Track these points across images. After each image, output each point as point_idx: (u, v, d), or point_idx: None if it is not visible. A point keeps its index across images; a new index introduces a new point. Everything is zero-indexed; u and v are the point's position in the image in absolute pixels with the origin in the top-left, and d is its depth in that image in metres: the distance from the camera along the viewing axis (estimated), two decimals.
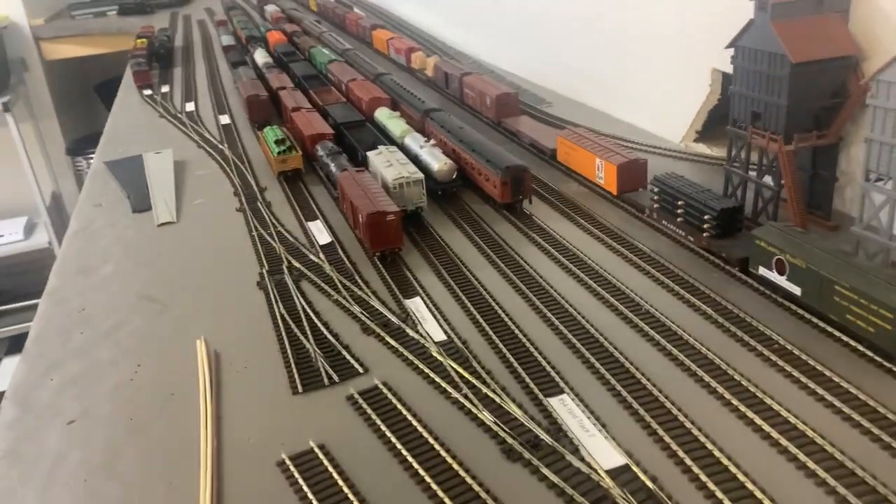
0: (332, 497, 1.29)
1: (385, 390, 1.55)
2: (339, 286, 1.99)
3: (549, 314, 1.77)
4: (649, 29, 2.91)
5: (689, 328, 1.66)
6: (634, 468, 1.28)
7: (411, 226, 2.30)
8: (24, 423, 1.59)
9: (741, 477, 1.24)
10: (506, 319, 1.77)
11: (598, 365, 1.57)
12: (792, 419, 1.36)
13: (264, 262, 2.17)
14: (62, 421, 1.58)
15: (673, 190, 2.05)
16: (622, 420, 1.41)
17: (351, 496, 1.28)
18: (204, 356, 1.71)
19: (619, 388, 1.49)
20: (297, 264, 2.14)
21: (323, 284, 2.01)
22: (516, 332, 1.72)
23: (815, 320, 1.64)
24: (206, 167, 3.09)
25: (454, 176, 2.49)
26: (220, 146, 3.31)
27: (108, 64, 7.26)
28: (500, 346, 1.67)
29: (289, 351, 1.71)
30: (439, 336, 1.73)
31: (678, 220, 2.05)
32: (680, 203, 2.02)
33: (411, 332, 1.75)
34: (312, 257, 2.18)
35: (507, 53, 4.25)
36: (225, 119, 3.76)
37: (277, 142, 2.84)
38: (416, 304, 1.87)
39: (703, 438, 1.33)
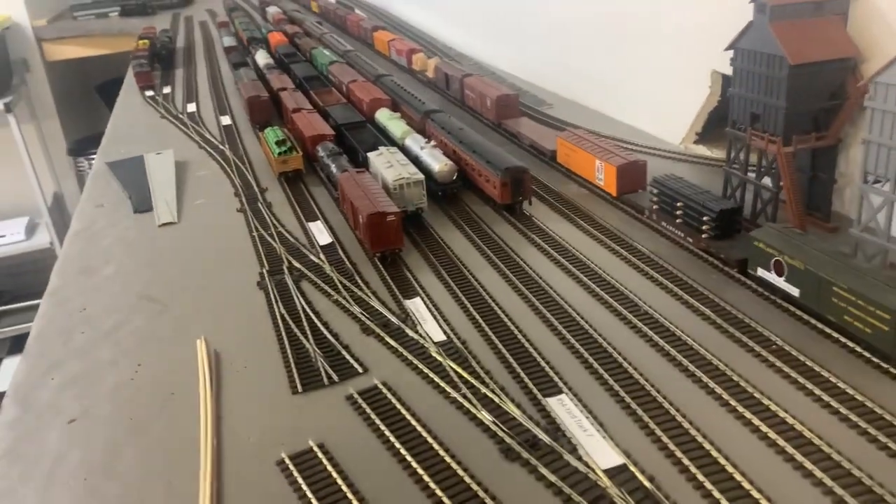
0: (331, 496, 1.29)
1: (384, 390, 1.56)
2: (340, 286, 1.99)
3: (548, 315, 1.78)
4: (649, 31, 2.92)
5: (687, 329, 1.67)
6: (632, 468, 1.28)
7: (411, 226, 2.31)
8: (24, 423, 1.60)
9: (738, 477, 1.25)
10: (505, 320, 1.78)
11: (596, 365, 1.57)
12: (789, 419, 1.37)
13: (265, 262, 2.18)
14: (62, 420, 1.58)
15: (672, 191, 2.06)
16: (620, 420, 1.42)
17: (350, 495, 1.29)
18: (204, 356, 1.72)
19: (617, 388, 1.50)
20: (297, 264, 2.14)
21: (323, 285, 2.02)
22: (515, 332, 1.72)
23: (813, 321, 1.64)
24: (208, 168, 3.10)
25: (454, 177, 2.50)
26: (222, 147, 3.32)
27: (110, 65, 7.27)
28: (500, 346, 1.68)
29: (289, 351, 1.72)
30: (439, 336, 1.73)
31: (677, 221, 2.05)
32: (679, 204, 2.03)
33: (411, 333, 1.76)
34: (313, 258, 2.18)
35: (508, 55, 4.26)
36: (226, 120, 3.77)
37: (278, 142, 2.85)
38: (415, 305, 1.88)
39: (700, 438, 1.34)
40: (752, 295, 1.79)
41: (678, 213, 2.04)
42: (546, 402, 1.47)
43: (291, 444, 1.42)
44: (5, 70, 6.87)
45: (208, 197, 2.78)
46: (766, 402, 1.42)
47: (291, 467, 1.36)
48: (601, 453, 1.33)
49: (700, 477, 1.25)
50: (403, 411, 1.49)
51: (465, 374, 1.58)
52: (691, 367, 1.54)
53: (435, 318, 1.81)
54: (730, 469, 1.26)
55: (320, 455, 1.38)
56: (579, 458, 1.32)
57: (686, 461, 1.29)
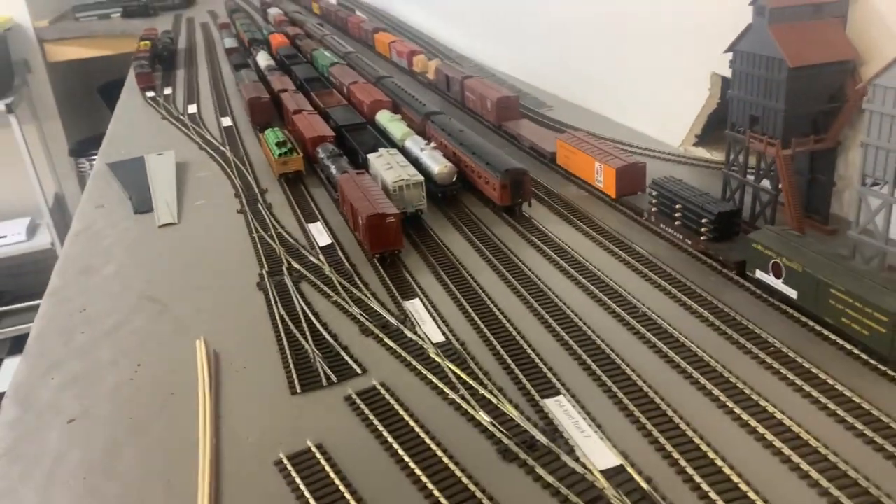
0: (328, 496, 1.30)
1: (383, 391, 1.56)
2: (339, 287, 2.00)
3: (546, 316, 1.78)
4: (649, 33, 2.92)
5: (685, 331, 1.67)
6: (629, 469, 1.29)
7: (411, 228, 2.31)
8: (24, 423, 1.60)
9: (735, 478, 1.25)
10: (504, 321, 1.78)
11: (594, 367, 1.58)
12: (787, 421, 1.37)
13: (264, 263, 2.19)
14: (62, 420, 1.59)
15: (671, 193, 2.06)
16: (618, 421, 1.42)
17: (348, 495, 1.29)
18: (203, 356, 1.72)
19: (615, 389, 1.50)
20: (296, 265, 2.15)
21: (322, 286, 2.02)
22: (514, 333, 1.73)
23: (810, 323, 1.65)
24: (208, 169, 3.10)
25: (454, 179, 2.51)
26: (222, 148, 3.33)
27: (111, 66, 7.29)
28: (498, 347, 1.68)
29: (288, 351, 1.72)
30: (437, 337, 1.74)
31: (676, 223, 2.06)
32: (678, 206, 2.03)
33: (410, 334, 1.76)
34: (312, 259, 2.19)
35: (509, 57, 4.26)
36: (227, 121, 3.78)
37: (279, 144, 2.86)
38: (414, 306, 1.88)
39: (697, 440, 1.34)
40: (750, 297, 1.79)
41: (677, 215, 2.04)
42: (544, 404, 1.48)
43: (290, 445, 1.43)
44: (7, 71, 6.89)
45: (209, 198, 2.78)
46: (763, 403, 1.42)
47: (290, 467, 1.36)
48: (598, 454, 1.33)
49: (697, 478, 1.26)
50: (402, 412, 1.49)
51: (463, 376, 1.58)
52: (689, 369, 1.54)
53: (434, 319, 1.82)
54: (727, 471, 1.27)
55: (318, 455, 1.39)
56: (577, 460, 1.32)
57: (683, 462, 1.29)
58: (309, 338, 1.77)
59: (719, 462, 1.29)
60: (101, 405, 1.63)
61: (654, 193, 2.14)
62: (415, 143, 2.72)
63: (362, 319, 1.84)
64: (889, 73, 1.60)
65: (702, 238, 1.96)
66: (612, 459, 1.32)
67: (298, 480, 1.33)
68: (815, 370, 1.50)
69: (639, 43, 3.01)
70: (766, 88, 1.95)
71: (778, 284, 1.72)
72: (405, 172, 2.35)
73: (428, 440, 1.40)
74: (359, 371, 1.64)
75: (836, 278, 1.56)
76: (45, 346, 1.89)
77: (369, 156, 2.57)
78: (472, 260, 2.12)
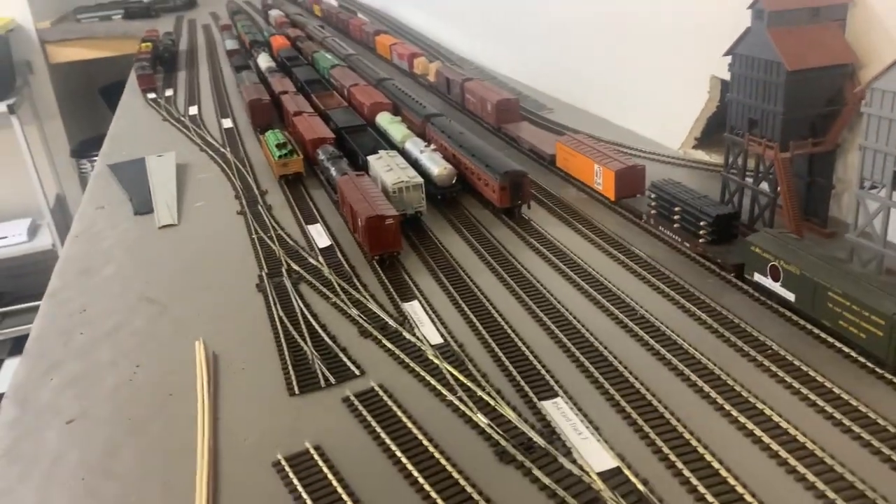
0: (326, 497, 1.30)
1: (381, 392, 1.57)
2: (338, 289, 2.00)
3: (544, 318, 1.79)
4: (649, 36, 2.93)
5: (683, 333, 1.67)
6: (626, 471, 1.29)
7: (410, 230, 2.32)
8: (23, 423, 1.61)
9: (732, 481, 1.25)
10: (502, 323, 1.78)
11: (592, 369, 1.58)
12: (783, 424, 1.37)
13: (264, 264, 2.19)
14: (61, 420, 1.59)
15: (670, 196, 2.07)
16: (615, 423, 1.43)
17: (345, 497, 1.29)
18: (202, 357, 1.73)
19: (612, 391, 1.50)
20: (296, 267, 2.15)
21: (321, 287, 2.03)
22: (512, 335, 1.73)
23: (808, 326, 1.65)
24: (208, 170, 3.11)
25: (454, 181, 2.51)
26: (223, 150, 3.33)
27: (113, 67, 7.31)
28: (496, 349, 1.68)
29: (286, 353, 1.72)
30: (436, 339, 1.74)
31: (675, 226, 2.06)
32: (676, 209, 2.04)
33: (408, 336, 1.76)
34: (312, 260, 2.19)
35: (509, 59, 4.27)
36: (227, 123, 3.78)
37: (279, 146, 2.87)
38: (413, 308, 1.89)
39: (694, 442, 1.34)
40: (748, 299, 1.80)
41: (675, 217, 2.05)
42: (541, 406, 1.48)
43: (288, 446, 1.43)
44: (9, 72, 6.90)
45: (209, 199, 2.79)
46: (760, 406, 1.42)
47: (287, 468, 1.37)
48: (595, 456, 1.33)
49: (694, 481, 1.26)
50: (399, 414, 1.49)
51: (461, 377, 1.59)
52: (687, 371, 1.54)
53: (432, 321, 1.82)
54: (723, 473, 1.27)
55: (316, 457, 1.39)
56: (573, 462, 1.33)
57: (680, 465, 1.30)
58: (308, 339, 1.77)
59: (716, 464, 1.29)
60: (100, 406, 1.63)
61: (653, 196, 2.14)
62: (415, 145, 2.72)
63: (361, 321, 1.84)
64: (887, 76, 1.60)
65: (700, 241, 1.97)
66: (608, 461, 1.32)
67: (296, 482, 1.34)
68: (812, 373, 1.50)
69: (639, 46, 3.01)
70: (765, 92, 1.95)
71: (776, 287, 1.72)
72: (405, 174, 2.35)
73: (425, 442, 1.41)
74: (357, 372, 1.64)
75: (834, 281, 1.56)
76: (44, 347, 1.90)
77: (369, 158, 2.57)
78: (470, 262, 2.12)
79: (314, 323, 1.85)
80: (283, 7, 7.45)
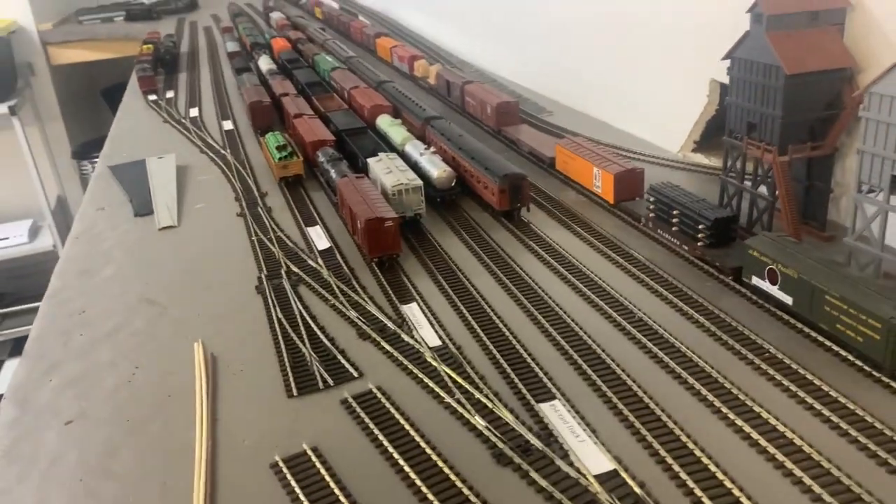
0: (323, 499, 1.30)
1: (379, 395, 1.57)
2: (337, 291, 2.01)
3: (543, 321, 1.79)
4: (649, 40, 2.93)
5: (681, 336, 1.68)
6: (623, 474, 1.29)
7: (410, 232, 2.32)
8: (22, 423, 1.61)
9: (728, 484, 1.25)
10: (500, 325, 1.79)
11: (590, 371, 1.58)
12: (780, 427, 1.37)
13: (263, 266, 2.20)
14: (60, 421, 1.60)
15: (668, 199, 2.07)
16: (612, 426, 1.43)
17: (342, 499, 1.30)
18: (201, 359, 1.73)
19: (610, 394, 1.51)
20: (295, 269, 2.16)
21: (320, 289, 2.03)
22: (510, 338, 1.73)
23: (806, 330, 1.65)
24: (209, 172, 3.12)
25: (453, 183, 2.52)
26: (223, 151, 3.34)
27: (115, 69, 7.32)
28: (494, 351, 1.69)
29: (285, 354, 1.73)
30: (434, 341, 1.75)
31: (673, 229, 2.06)
32: (675, 212, 2.04)
33: (407, 338, 1.77)
34: (311, 262, 2.20)
35: (509, 62, 4.28)
36: (228, 125, 3.79)
37: (279, 148, 2.87)
38: (412, 310, 1.89)
39: (691, 445, 1.35)
40: (746, 303, 1.80)
41: (674, 220, 2.05)
42: (539, 408, 1.48)
43: (286, 447, 1.43)
44: (10, 73, 6.91)
45: (209, 201, 2.80)
46: (757, 409, 1.42)
47: (285, 470, 1.37)
48: (593, 459, 1.34)
49: (690, 483, 1.26)
50: (397, 416, 1.50)
51: (459, 380, 1.59)
52: (684, 374, 1.54)
53: (431, 323, 1.82)
54: (720, 476, 1.27)
55: (314, 458, 1.39)
56: (571, 464, 1.33)
57: (677, 468, 1.30)
58: (306, 341, 1.77)
59: (713, 467, 1.29)
60: (99, 407, 1.63)
61: (652, 199, 2.15)
62: (414, 148, 2.73)
63: (359, 323, 1.85)
64: (885, 81, 1.60)
65: (699, 244, 1.97)
66: (605, 464, 1.32)
67: (294, 483, 1.34)
68: (809, 376, 1.50)
69: (638, 48, 3.02)
70: (764, 95, 1.95)
71: (774, 291, 1.72)
72: (404, 177, 2.36)
73: (423, 444, 1.41)
74: (355, 374, 1.65)
75: (831, 285, 1.56)
76: (44, 348, 1.90)
77: (369, 160, 2.58)
78: (469, 264, 2.13)
79: (313, 325, 1.85)
80: (284, 9, 7.47)
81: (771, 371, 1.53)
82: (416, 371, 1.64)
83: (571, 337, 1.72)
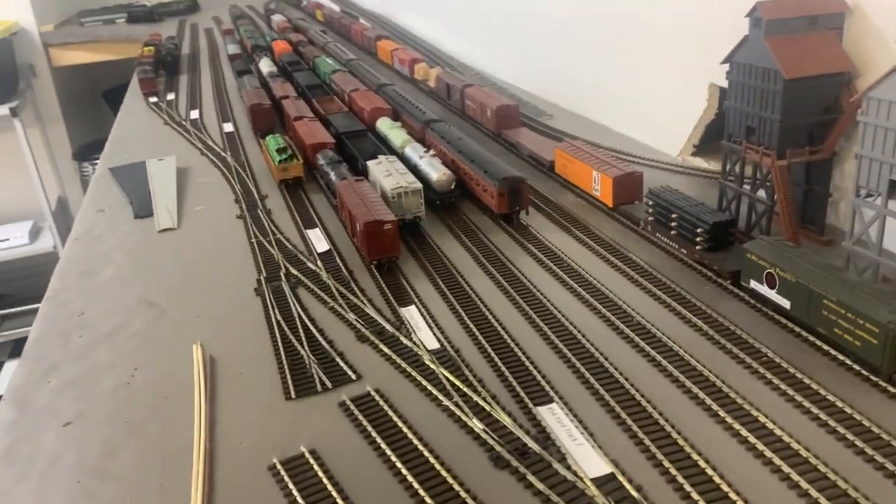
0: (321, 501, 1.31)
1: (377, 397, 1.57)
2: (336, 294, 2.01)
3: (541, 324, 1.79)
4: (649, 44, 2.94)
5: (679, 339, 1.68)
6: (620, 477, 1.29)
7: (409, 235, 2.32)
8: (21, 425, 1.61)
9: (725, 488, 1.26)
10: (499, 329, 1.79)
11: (587, 375, 1.58)
12: (778, 431, 1.37)
13: (262, 268, 2.20)
14: (59, 422, 1.60)
15: (667, 203, 2.08)
16: (609, 429, 1.43)
17: (340, 501, 1.30)
18: (200, 360, 1.73)
19: (607, 397, 1.51)
20: (294, 271, 2.16)
21: (319, 292, 2.03)
22: (509, 341, 1.74)
23: (803, 334, 1.65)
24: (209, 174, 3.12)
25: (452, 186, 2.52)
26: (223, 154, 3.35)
27: (117, 71, 7.33)
28: (493, 355, 1.69)
29: (283, 357, 1.73)
30: (433, 344, 1.75)
31: (672, 232, 2.07)
32: (674, 216, 2.04)
33: (405, 340, 1.77)
34: (310, 265, 2.20)
35: (509, 65, 4.28)
36: (228, 127, 3.80)
37: (279, 150, 2.88)
38: (410, 313, 1.89)
39: (688, 449, 1.35)
40: (744, 307, 1.80)
41: (673, 224, 2.05)
42: (537, 411, 1.48)
43: (283, 450, 1.43)
44: (12, 75, 6.93)
45: (209, 203, 2.80)
46: (755, 413, 1.43)
47: (283, 472, 1.37)
48: (590, 462, 1.34)
49: (687, 487, 1.26)
50: (395, 418, 1.50)
51: (457, 383, 1.59)
52: (682, 378, 1.55)
53: (429, 326, 1.83)
54: (717, 480, 1.27)
55: (311, 461, 1.39)
56: (568, 467, 1.33)
57: (674, 471, 1.30)
58: (305, 343, 1.78)
59: (710, 471, 1.29)
60: (98, 408, 1.64)
61: (651, 203, 2.15)
62: (414, 151, 2.73)
63: (358, 326, 1.85)
64: (883, 85, 1.61)
65: (697, 248, 1.97)
66: (603, 467, 1.32)
67: (291, 486, 1.34)
68: (807, 380, 1.50)
69: (638, 52, 3.03)
70: (762, 99, 1.96)
71: (772, 295, 1.73)
72: (404, 180, 2.36)
73: (421, 447, 1.41)
74: (353, 377, 1.65)
75: (829, 289, 1.57)
76: (43, 349, 1.91)
77: (368, 163, 2.58)
78: (468, 267, 2.13)
79: (311, 327, 1.85)
80: (285, 12, 7.48)
81: (768, 375, 1.53)
82: (414, 374, 1.64)
83: (569, 340, 1.72)
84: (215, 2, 9.09)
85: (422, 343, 1.75)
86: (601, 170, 2.39)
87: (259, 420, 1.55)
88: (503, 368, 1.63)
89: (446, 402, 1.54)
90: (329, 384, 1.63)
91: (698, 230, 1.96)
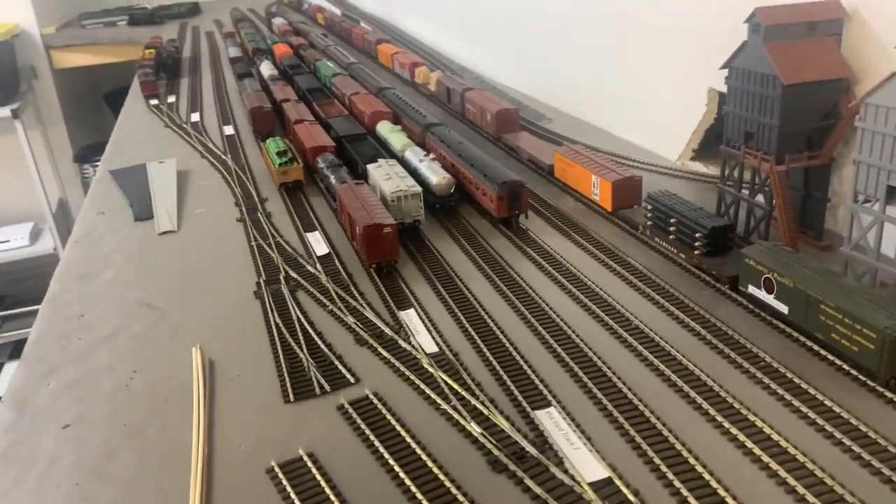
0: None
1: (375, 401, 1.57)
2: (335, 297, 2.02)
3: (539, 328, 1.80)
4: (648, 47, 2.95)
5: (677, 344, 1.68)
6: (617, 481, 1.30)
7: (408, 238, 2.33)
8: (20, 427, 1.62)
9: (722, 492, 1.26)
10: (497, 332, 1.79)
11: (585, 379, 1.59)
12: (775, 436, 1.38)
13: (262, 271, 2.20)
14: (58, 425, 1.60)
15: (665, 208, 2.08)
16: (607, 434, 1.43)
17: None
18: (199, 363, 1.74)
19: (605, 402, 1.51)
20: (294, 275, 2.17)
21: (319, 295, 2.04)
22: (507, 345, 1.74)
23: (801, 339, 1.66)
24: (209, 177, 3.13)
25: (452, 190, 2.52)
26: (224, 157, 3.35)
27: (118, 73, 7.35)
28: (491, 358, 1.69)
29: (282, 360, 1.73)
30: (431, 348, 1.75)
31: (670, 237, 2.07)
32: (672, 221, 2.05)
33: (404, 344, 1.77)
34: (309, 268, 2.21)
35: (509, 68, 4.29)
36: (229, 130, 3.80)
37: (279, 153, 2.88)
38: (409, 316, 1.90)
39: (686, 453, 1.35)
40: (742, 311, 1.81)
41: (671, 229, 2.06)
42: (535, 415, 1.49)
43: (282, 453, 1.44)
44: (13, 77, 6.94)
45: (209, 206, 2.81)
46: (752, 418, 1.43)
47: (281, 475, 1.38)
48: (587, 466, 1.34)
49: (684, 492, 1.27)
50: (393, 422, 1.50)
51: (455, 386, 1.59)
52: (679, 382, 1.55)
53: (428, 329, 1.83)
54: (714, 484, 1.28)
55: (309, 464, 1.40)
56: (565, 471, 1.33)
57: (671, 476, 1.30)
58: (304, 346, 1.78)
59: (706, 476, 1.29)
60: (97, 410, 1.64)
61: (649, 207, 2.16)
62: (414, 155, 2.74)
63: (357, 329, 1.85)
64: (881, 91, 1.61)
65: (695, 252, 1.98)
66: (600, 472, 1.33)
67: (289, 489, 1.34)
68: (804, 385, 1.51)
69: (638, 56, 3.03)
70: (761, 105, 1.96)
71: (769, 299, 1.73)
72: (403, 183, 2.37)
73: (419, 450, 1.42)
74: (352, 380, 1.65)
75: (827, 294, 1.57)
76: (42, 351, 1.91)
77: (368, 166, 2.59)
78: (467, 271, 2.13)
79: (310, 330, 1.86)
80: (286, 15, 7.49)
81: (766, 380, 1.54)
82: (412, 377, 1.64)
83: (567, 344, 1.72)
84: (216, 4, 9.11)
85: (420, 347, 1.75)
86: (600, 174, 2.40)
87: (258, 423, 1.55)
88: (501, 372, 1.64)
89: (444, 406, 1.54)
90: (328, 387, 1.63)
91: (697, 235, 1.96)
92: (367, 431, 1.48)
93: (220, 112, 4.18)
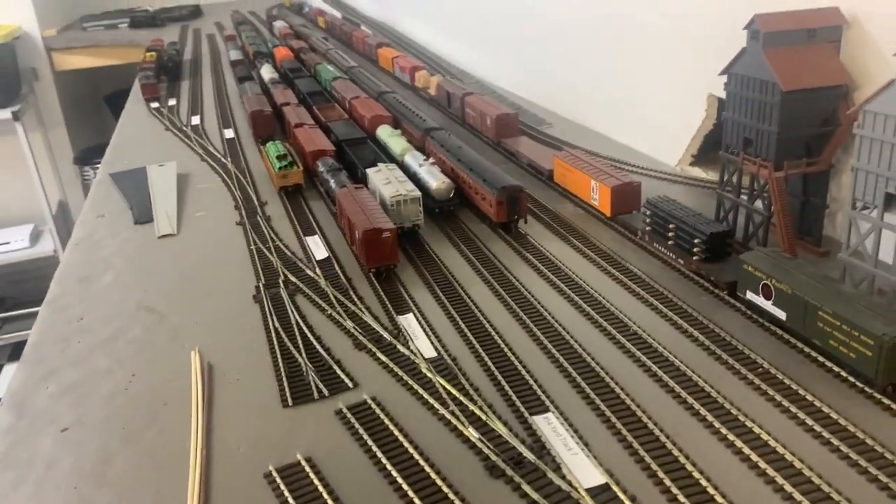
0: None
1: (373, 405, 1.58)
2: (334, 301, 2.02)
3: (538, 333, 1.80)
4: (648, 53, 2.96)
5: (675, 350, 1.68)
6: (614, 487, 1.30)
7: (407, 243, 2.33)
8: (18, 429, 1.62)
9: (719, 499, 1.26)
10: (496, 337, 1.80)
11: (583, 384, 1.59)
12: (772, 443, 1.38)
13: (261, 275, 2.21)
14: (56, 428, 1.60)
15: (664, 213, 2.08)
16: (605, 439, 1.43)
17: None
18: (197, 367, 1.74)
19: (603, 407, 1.51)
20: (293, 278, 2.17)
21: (318, 299, 2.04)
22: (505, 350, 1.74)
23: (799, 345, 1.66)
24: (209, 180, 3.13)
25: (451, 194, 2.53)
26: (224, 160, 3.36)
27: (119, 75, 7.36)
28: (489, 363, 1.69)
29: (281, 364, 1.74)
30: (430, 353, 1.75)
31: (669, 242, 2.07)
32: (671, 226, 2.05)
33: (402, 349, 1.78)
34: (309, 272, 2.21)
35: (508, 71, 4.30)
36: (229, 133, 3.81)
37: (279, 157, 2.89)
38: (408, 321, 1.90)
39: (683, 460, 1.35)
40: (740, 317, 1.81)
41: (670, 234, 2.06)
42: (532, 421, 1.49)
43: (279, 457, 1.44)
44: (14, 79, 6.95)
45: (209, 209, 2.81)
46: (749, 424, 1.43)
47: (278, 480, 1.38)
48: (585, 472, 1.34)
49: (682, 498, 1.27)
50: (391, 427, 1.50)
51: (453, 391, 1.60)
52: (677, 388, 1.55)
53: (427, 334, 1.83)
54: (711, 490, 1.28)
55: (307, 468, 1.40)
56: (563, 477, 1.33)
57: (668, 482, 1.30)
58: (302, 351, 1.78)
59: (704, 482, 1.29)
60: (95, 414, 1.64)
61: (648, 213, 2.16)
62: (414, 159, 2.74)
63: (356, 333, 1.86)
64: (879, 98, 1.62)
65: (694, 258, 1.98)
66: (597, 477, 1.33)
67: (287, 493, 1.34)
68: (802, 391, 1.51)
69: (637, 62, 3.04)
70: (760, 111, 1.97)
71: (768, 306, 1.73)
72: (403, 188, 2.37)
73: (416, 455, 1.42)
74: (350, 385, 1.65)
75: (825, 301, 1.57)
76: (41, 354, 1.91)
77: (368, 170, 2.59)
78: (466, 275, 2.14)
79: (309, 335, 1.86)
80: (287, 18, 7.51)
81: (763, 386, 1.54)
82: (410, 382, 1.65)
83: (566, 349, 1.73)
84: (218, 7, 9.14)
85: (419, 351, 1.75)
86: (599, 179, 2.40)
87: (256, 427, 1.55)
88: (499, 377, 1.64)
89: (442, 411, 1.54)
90: (326, 392, 1.63)
91: (695, 240, 1.96)
92: (365, 436, 1.48)
93: (221, 115, 4.19)
